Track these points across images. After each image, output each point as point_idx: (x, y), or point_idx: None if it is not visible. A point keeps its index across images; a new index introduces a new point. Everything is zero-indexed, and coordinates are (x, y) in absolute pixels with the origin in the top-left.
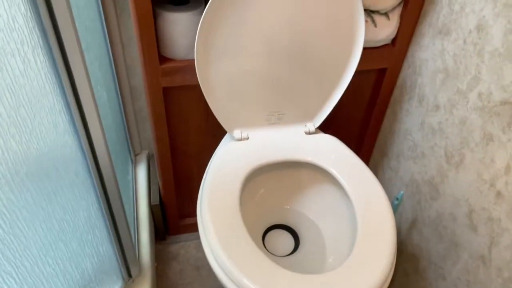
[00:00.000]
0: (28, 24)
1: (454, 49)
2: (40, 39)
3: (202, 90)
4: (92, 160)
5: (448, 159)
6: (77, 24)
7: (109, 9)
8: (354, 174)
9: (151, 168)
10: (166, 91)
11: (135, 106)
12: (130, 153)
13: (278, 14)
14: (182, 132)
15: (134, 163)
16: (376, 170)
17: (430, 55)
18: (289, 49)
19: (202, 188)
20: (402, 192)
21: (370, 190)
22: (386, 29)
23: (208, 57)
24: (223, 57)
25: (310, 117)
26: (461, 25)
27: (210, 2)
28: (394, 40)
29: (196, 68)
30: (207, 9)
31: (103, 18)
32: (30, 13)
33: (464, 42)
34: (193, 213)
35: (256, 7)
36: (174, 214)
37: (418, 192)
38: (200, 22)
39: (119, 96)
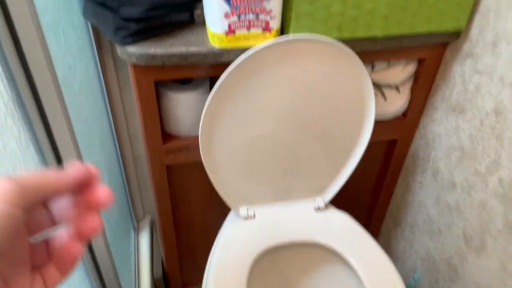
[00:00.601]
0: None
1: (470, 128)
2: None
3: (206, 170)
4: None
5: (467, 241)
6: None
7: (111, 82)
8: (367, 257)
9: (154, 235)
10: (170, 168)
11: (138, 173)
12: (132, 220)
13: (287, 92)
14: (185, 205)
15: (137, 230)
16: (389, 239)
17: (443, 130)
18: (298, 125)
19: (208, 271)
20: (419, 272)
21: (384, 275)
22: (397, 103)
23: (212, 137)
24: (228, 136)
25: (320, 191)
26: (477, 105)
27: (217, 85)
28: (405, 112)
29: (200, 148)
30: (214, 91)
31: (104, 90)
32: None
33: (481, 123)
34: (196, 282)
35: (265, 86)
36: (178, 286)
37: (435, 270)
38: (206, 104)
39: (121, 164)
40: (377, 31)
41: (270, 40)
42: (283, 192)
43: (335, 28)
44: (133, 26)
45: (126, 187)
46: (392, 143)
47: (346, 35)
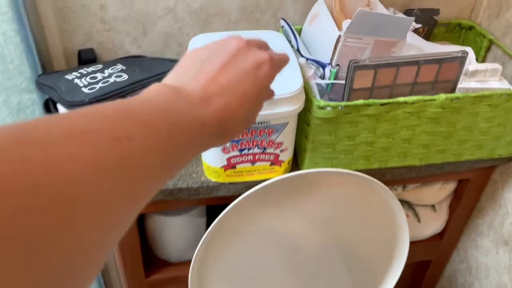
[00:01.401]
0: None
1: None
2: None
3: None
4: None
5: None
6: None
7: None
8: None
9: None
10: None
11: None
12: None
13: (301, 224)
14: None
15: None
16: None
17: (492, 263)
18: (313, 259)
19: None
20: None
21: None
22: (433, 224)
23: (207, 274)
24: (228, 273)
25: None
26: None
27: (215, 223)
28: (442, 232)
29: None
30: (210, 233)
31: None
32: None
33: None
34: None
35: (274, 221)
36: None
37: None
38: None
39: None
40: (415, 161)
41: (280, 175)
42: None
43: (362, 158)
44: None
45: None
46: (424, 263)
47: (375, 166)
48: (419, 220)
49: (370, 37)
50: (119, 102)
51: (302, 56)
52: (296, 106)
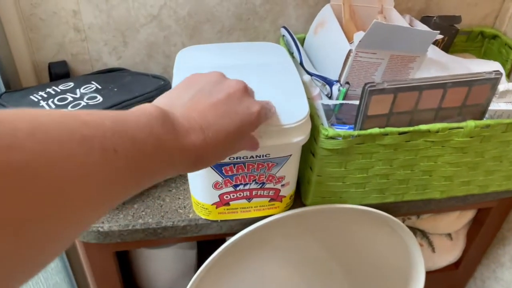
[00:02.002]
0: None
1: None
2: None
3: None
4: None
5: None
6: None
7: None
8: None
9: None
10: None
11: None
12: None
13: (301, 263)
14: None
15: None
16: None
17: None
18: None
19: None
20: None
21: None
22: (448, 254)
23: None
24: None
25: None
26: None
27: (207, 263)
28: (458, 262)
29: None
30: (200, 273)
31: None
32: None
33: None
34: None
35: (273, 259)
36: None
37: None
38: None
39: None
40: (435, 194)
41: (281, 213)
42: None
43: (375, 192)
44: None
45: None
46: None
47: (390, 199)
48: (433, 250)
49: (386, 52)
50: (117, 115)
51: (306, 71)
52: (301, 137)
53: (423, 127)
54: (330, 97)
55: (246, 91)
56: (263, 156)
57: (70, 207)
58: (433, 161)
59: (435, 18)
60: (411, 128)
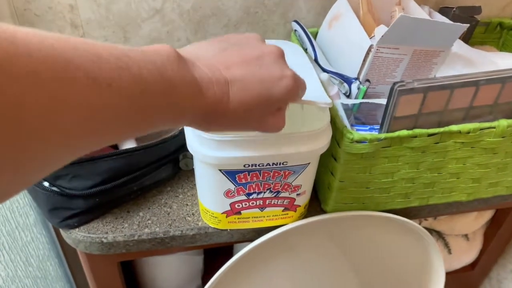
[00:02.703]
0: None
1: None
2: None
3: None
4: None
5: None
6: None
7: None
8: None
9: None
10: None
11: None
12: None
13: (321, 272)
14: None
15: None
16: None
17: None
18: None
19: None
20: None
21: None
22: (464, 256)
23: None
24: None
25: None
26: None
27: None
28: (474, 262)
29: None
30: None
31: None
32: None
33: None
34: None
35: (289, 271)
36: None
37: None
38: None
39: None
40: (461, 197)
41: (302, 219)
42: None
43: (399, 197)
44: (79, 204)
45: None
46: None
47: (415, 203)
48: (449, 252)
49: (409, 47)
50: (123, 49)
51: (322, 68)
52: (321, 145)
53: (454, 127)
54: (348, 95)
55: (283, 57)
56: (280, 164)
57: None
58: (462, 163)
59: (454, 9)
60: (441, 129)
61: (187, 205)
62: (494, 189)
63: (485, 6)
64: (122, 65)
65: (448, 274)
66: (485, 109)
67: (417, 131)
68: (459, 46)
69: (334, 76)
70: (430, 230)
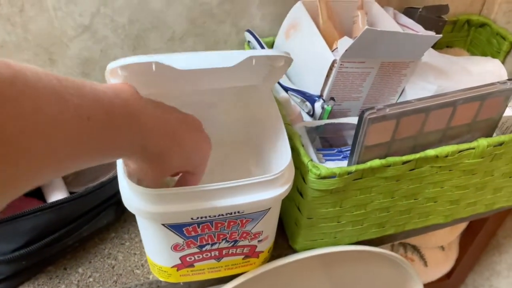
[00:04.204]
0: None
1: None
2: None
3: None
4: None
5: None
6: None
7: None
8: None
9: None
10: None
11: None
12: None
13: None
14: None
15: None
16: None
17: None
18: None
19: None
20: None
21: None
22: (440, 267)
23: None
24: None
25: None
26: None
27: None
28: (449, 273)
29: None
30: None
31: None
32: None
33: None
34: None
35: None
36: None
37: None
38: None
39: None
40: (439, 219)
41: (270, 262)
42: None
43: (374, 227)
44: (2, 270)
45: None
46: None
47: (390, 231)
48: (425, 264)
49: (376, 60)
50: (95, 85)
51: (282, 86)
52: (282, 191)
53: (431, 152)
54: (312, 115)
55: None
56: (235, 213)
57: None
58: (439, 187)
59: (420, 9)
60: (416, 155)
61: (135, 254)
62: (473, 208)
63: (451, 3)
64: (97, 99)
65: (425, 285)
66: (463, 128)
67: (390, 159)
68: (429, 55)
69: (296, 94)
70: (405, 244)
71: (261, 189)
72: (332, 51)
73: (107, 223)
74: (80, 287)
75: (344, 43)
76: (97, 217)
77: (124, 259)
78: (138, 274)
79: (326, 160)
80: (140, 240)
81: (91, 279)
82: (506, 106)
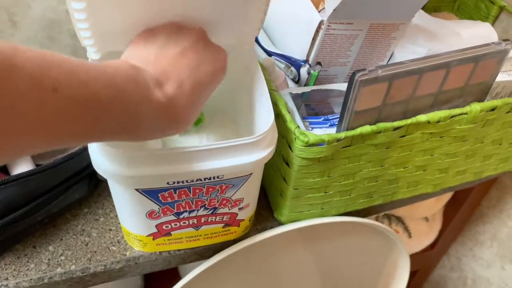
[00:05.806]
0: None
1: None
2: None
3: None
4: None
5: None
6: None
7: None
8: None
9: None
10: None
11: None
12: None
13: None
14: None
15: None
16: None
17: (496, 278)
18: None
19: None
20: None
21: None
22: (424, 238)
23: None
24: None
25: None
26: None
27: None
28: (433, 243)
29: None
30: None
31: None
32: None
33: None
34: None
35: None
36: None
37: None
38: None
39: None
40: (428, 189)
41: (255, 236)
42: None
43: (362, 197)
44: None
45: None
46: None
47: (378, 202)
48: (410, 235)
49: (365, 21)
50: (73, 59)
51: (265, 50)
52: (264, 154)
53: (422, 117)
54: (297, 81)
55: (207, 36)
56: (213, 178)
57: None
58: (429, 154)
59: None
60: (408, 121)
61: (110, 230)
62: (462, 176)
63: None
64: (72, 71)
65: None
66: (455, 92)
67: (381, 125)
68: (419, 17)
69: (280, 59)
70: (389, 216)
71: (242, 152)
72: (319, 12)
73: (79, 198)
74: (51, 265)
75: (332, 2)
76: (68, 191)
77: (98, 236)
78: (114, 251)
79: (313, 128)
80: (116, 216)
81: (63, 257)
82: (500, 69)
